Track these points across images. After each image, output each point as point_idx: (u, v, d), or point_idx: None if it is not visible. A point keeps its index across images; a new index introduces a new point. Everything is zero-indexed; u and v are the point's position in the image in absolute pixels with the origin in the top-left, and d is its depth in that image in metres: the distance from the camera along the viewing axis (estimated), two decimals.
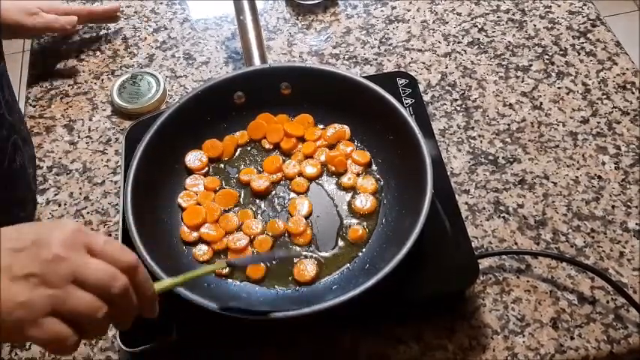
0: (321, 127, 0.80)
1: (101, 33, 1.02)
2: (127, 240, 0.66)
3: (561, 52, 0.94)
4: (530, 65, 0.93)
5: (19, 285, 0.45)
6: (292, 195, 0.75)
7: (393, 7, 1.02)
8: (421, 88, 0.88)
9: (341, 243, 0.71)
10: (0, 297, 0.44)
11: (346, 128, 0.80)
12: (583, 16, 0.99)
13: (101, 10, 0.99)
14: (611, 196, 0.78)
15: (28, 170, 0.82)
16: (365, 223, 0.73)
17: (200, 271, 0.61)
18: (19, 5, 0.91)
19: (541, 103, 0.88)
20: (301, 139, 0.80)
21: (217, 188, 0.76)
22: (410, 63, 0.94)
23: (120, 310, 0.48)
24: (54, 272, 0.45)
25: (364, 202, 0.74)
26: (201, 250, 0.71)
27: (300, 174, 0.77)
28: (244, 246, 0.71)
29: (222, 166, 0.79)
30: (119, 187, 0.81)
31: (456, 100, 0.89)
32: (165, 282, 0.56)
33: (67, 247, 0.46)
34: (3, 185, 0.75)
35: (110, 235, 0.78)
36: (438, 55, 0.95)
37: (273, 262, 0.70)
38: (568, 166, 0.81)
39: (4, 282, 0.44)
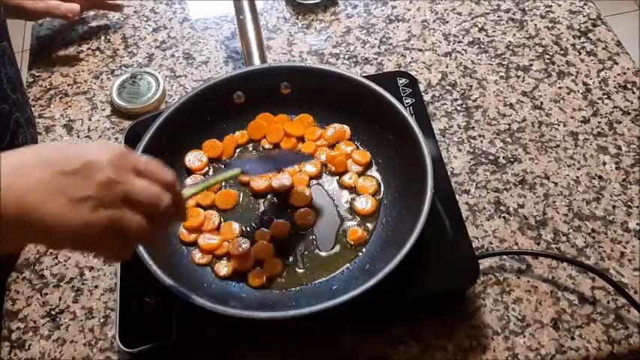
0: (322, 127, 0.80)
1: (100, 32, 1.02)
2: None
3: (562, 52, 0.94)
4: (531, 65, 0.93)
5: (78, 207, 0.47)
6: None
7: (394, 7, 1.02)
8: (421, 87, 0.88)
9: (341, 243, 0.71)
10: (60, 219, 0.47)
11: (346, 128, 0.79)
12: (584, 16, 0.98)
13: None
14: (611, 196, 0.78)
15: None
16: (365, 224, 0.72)
17: (219, 177, 0.67)
18: None
19: (542, 103, 0.88)
20: (301, 139, 0.80)
21: (217, 188, 0.76)
22: (410, 62, 0.94)
23: (162, 222, 0.53)
24: (109, 195, 0.49)
25: (364, 204, 0.73)
26: (200, 253, 0.71)
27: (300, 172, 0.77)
28: (246, 251, 0.71)
29: (222, 166, 0.79)
30: None
31: (457, 99, 0.89)
32: (190, 190, 0.61)
33: (118, 170, 0.50)
34: None
35: None
36: (438, 55, 0.95)
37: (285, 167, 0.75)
38: (569, 166, 0.81)
39: (62, 205, 0.47)
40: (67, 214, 0.47)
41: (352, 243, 0.71)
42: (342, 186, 0.76)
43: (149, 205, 0.51)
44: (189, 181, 0.77)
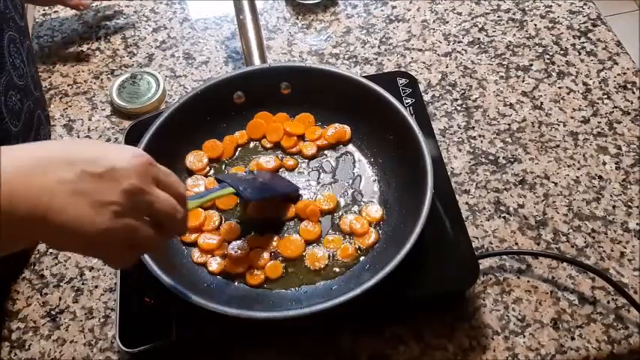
0: (322, 127, 0.80)
1: (100, 32, 1.02)
2: None
3: (562, 52, 0.94)
4: (531, 65, 0.93)
5: (100, 212, 0.45)
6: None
7: (394, 7, 1.02)
8: (421, 87, 0.88)
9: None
10: (80, 222, 0.45)
11: (346, 128, 0.79)
12: (584, 16, 0.98)
13: None
14: (611, 196, 0.78)
15: None
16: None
17: (212, 195, 0.65)
18: None
19: (542, 103, 0.88)
20: (302, 138, 0.80)
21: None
22: (410, 63, 0.94)
23: (170, 234, 0.53)
24: (133, 203, 0.47)
25: (357, 224, 0.72)
26: (199, 253, 0.71)
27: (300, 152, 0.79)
28: (244, 254, 0.71)
29: (222, 166, 0.79)
30: None
31: (457, 99, 0.89)
32: (191, 204, 0.59)
33: (143, 179, 0.48)
34: None
35: None
36: (438, 55, 0.95)
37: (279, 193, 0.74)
38: (569, 166, 0.81)
39: (83, 208, 0.45)
40: (88, 218, 0.45)
41: (342, 260, 0.70)
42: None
43: (167, 217, 0.50)
44: (189, 181, 0.76)
